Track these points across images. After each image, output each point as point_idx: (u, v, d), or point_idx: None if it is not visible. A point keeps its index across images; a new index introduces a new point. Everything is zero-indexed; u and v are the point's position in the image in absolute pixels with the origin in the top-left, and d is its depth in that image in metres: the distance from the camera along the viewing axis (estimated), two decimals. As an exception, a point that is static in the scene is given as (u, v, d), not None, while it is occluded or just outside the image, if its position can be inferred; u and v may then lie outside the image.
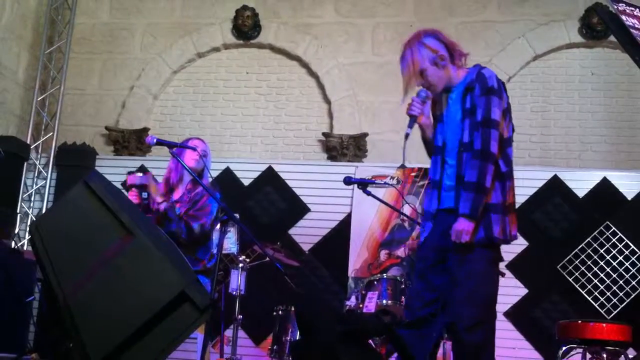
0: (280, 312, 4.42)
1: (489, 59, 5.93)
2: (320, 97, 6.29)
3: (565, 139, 5.93)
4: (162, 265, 1.78)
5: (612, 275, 5.32)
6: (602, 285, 5.32)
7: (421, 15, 6.18)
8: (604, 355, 3.74)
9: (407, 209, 5.17)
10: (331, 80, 6.23)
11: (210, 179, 3.86)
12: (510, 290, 5.28)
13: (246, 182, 5.94)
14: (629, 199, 5.47)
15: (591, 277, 5.35)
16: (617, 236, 5.39)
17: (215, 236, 3.82)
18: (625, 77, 5.95)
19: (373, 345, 3.85)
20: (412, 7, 6.29)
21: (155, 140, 3.44)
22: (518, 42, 6.07)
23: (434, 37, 2.86)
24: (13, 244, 5.92)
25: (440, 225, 2.78)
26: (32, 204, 6.16)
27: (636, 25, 3.09)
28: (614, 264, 5.34)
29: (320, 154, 6.15)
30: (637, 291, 5.27)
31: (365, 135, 6.01)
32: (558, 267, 5.41)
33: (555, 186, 5.58)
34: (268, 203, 5.86)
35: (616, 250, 5.36)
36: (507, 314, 5.33)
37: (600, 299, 5.29)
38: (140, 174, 3.64)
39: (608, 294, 5.30)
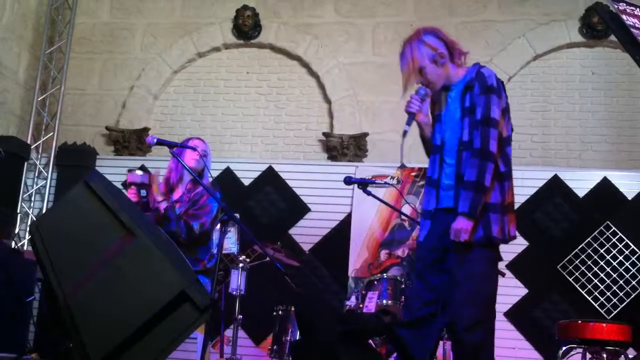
0: (280, 312, 4.41)
1: (489, 59, 5.93)
2: (320, 97, 6.29)
3: (565, 138, 5.92)
4: (162, 265, 1.78)
5: (612, 275, 5.32)
6: (602, 285, 5.32)
7: (421, 15, 6.18)
8: (604, 355, 3.74)
9: (407, 209, 5.16)
10: (331, 80, 6.23)
11: (210, 179, 3.86)
12: (510, 290, 5.28)
13: (246, 182, 5.94)
14: (629, 198, 5.47)
15: (591, 277, 5.34)
16: (617, 236, 5.39)
17: (215, 236, 3.82)
18: (625, 77, 5.95)
19: (373, 345, 3.85)
20: (412, 7, 6.29)
21: (155, 140, 3.44)
22: (518, 41, 6.07)
23: (433, 35, 2.87)
24: (13, 244, 5.92)
25: (439, 225, 2.78)
26: (32, 204, 6.16)
27: (636, 25, 3.09)
28: (614, 263, 5.34)
29: (321, 154, 6.15)
30: (637, 291, 5.27)
31: (365, 135, 6.01)
32: (558, 267, 5.40)
33: (555, 186, 5.58)
34: (268, 203, 5.86)
35: (616, 250, 5.36)
36: (507, 314, 5.33)
37: (600, 299, 5.29)
38: (140, 172, 3.65)
39: (608, 294, 5.30)
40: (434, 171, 2.85)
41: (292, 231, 5.77)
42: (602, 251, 5.37)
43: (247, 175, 5.95)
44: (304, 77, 6.36)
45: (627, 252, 5.35)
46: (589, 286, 5.33)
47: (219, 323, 4.60)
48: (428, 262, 2.79)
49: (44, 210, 6.02)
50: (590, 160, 5.82)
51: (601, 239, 5.40)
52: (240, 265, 4.51)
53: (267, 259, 4.30)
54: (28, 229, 6.00)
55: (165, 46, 6.52)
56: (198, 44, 6.50)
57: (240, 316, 4.45)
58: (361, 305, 4.19)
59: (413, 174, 5.65)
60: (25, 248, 5.91)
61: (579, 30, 6.02)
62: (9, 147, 5.61)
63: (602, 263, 5.35)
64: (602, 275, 5.33)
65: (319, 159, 6.10)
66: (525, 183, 5.50)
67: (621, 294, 5.28)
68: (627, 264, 5.33)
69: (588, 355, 3.87)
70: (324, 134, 6.10)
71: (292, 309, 4.34)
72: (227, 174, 5.92)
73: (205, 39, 6.50)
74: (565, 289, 5.36)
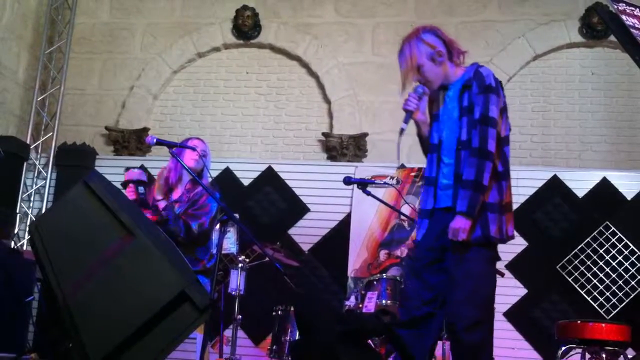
0: (279, 312, 4.41)
1: (489, 59, 5.93)
2: (320, 97, 6.29)
3: (565, 138, 5.93)
4: (162, 265, 1.78)
5: (612, 275, 5.32)
6: (601, 285, 5.32)
7: (421, 15, 6.17)
8: (603, 355, 3.74)
9: (406, 209, 5.16)
10: (331, 80, 6.23)
11: (209, 179, 3.86)
12: (510, 290, 5.28)
13: (246, 182, 5.94)
14: (629, 199, 5.47)
15: (590, 277, 5.35)
16: (617, 236, 5.39)
17: (214, 236, 3.82)
18: (625, 77, 5.95)
19: (373, 345, 3.85)
20: (413, 7, 6.29)
21: (155, 140, 3.44)
22: (518, 41, 6.08)
23: (432, 34, 2.87)
24: (13, 244, 5.91)
25: (437, 224, 2.78)
26: (31, 204, 6.16)
27: (636, 25, 3.09)
28: (614, 264, 5.34)
29: (320, 154, 6.15)
30: (637, 291, 5.27)
31: (365, 135, 6.01)
32: (557, 267, 5.41)
33: (555, 186, 5.58)
34: (268, 203, 5.86)
35: (615, 250, 5.36)
36: (506, 314, 5.33)
37: (599, 299, 5.29)
38: (137, 170, 3.65)
39: (607, 294, 5.30)
40: (432, 170, 2.85)
41: (291, 231, 5.77)
42: (601, 251, 5.37)
43: (246, 175, 5.95)
44: (303, 77, 6.36)
45: (626, 252, 5.35)
46: (588, 286, 5.34)
47: (219, 323, 4.60)
48: (426, 262, 2.79)
49: (43, 210, 6.01)
50: (589, 161, 5.82)
51: (600, 239, 5.40)
52: (240, 265, 4.51)
53: (267, 259, 4.29)
54: (27, 229, 6.00)
55: (165, 46, 6.52)
56: (198, 44, 6.50)
57: (240, 316, 4.45)
58: (360, 306, 4.19)
59: (412, 174, 5.65)
60: (24, 248, 5.90)
61: (579, 30, 6.03)
62: (9, 147, 5.60)
63: (601, 263, 5.35)
64: (601, 275, 5.33)
65: (319, 159, 6.10)
66: (525, 183, 5.50)
67: (620, 294, 5.28)
68: (626, 264, 5.33)
69: (587, 355, 3.88)
70: (323, 134, 6.10)
71: (292, 309, 4.34)
72: (227, 174, 5.92)
73: (205, 39, 6.50)
74: (564, 289, 5.36)
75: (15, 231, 6.01)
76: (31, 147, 6.20)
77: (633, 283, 5.29)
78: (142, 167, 5.70)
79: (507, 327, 5.28)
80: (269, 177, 5.92)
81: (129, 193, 3.59)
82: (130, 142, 6.24)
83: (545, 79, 6.08)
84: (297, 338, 4.18)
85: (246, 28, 6.39)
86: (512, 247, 5.33)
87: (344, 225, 5.69)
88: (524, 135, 5.88)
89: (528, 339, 5.30)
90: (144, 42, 6.58)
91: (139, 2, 6.68)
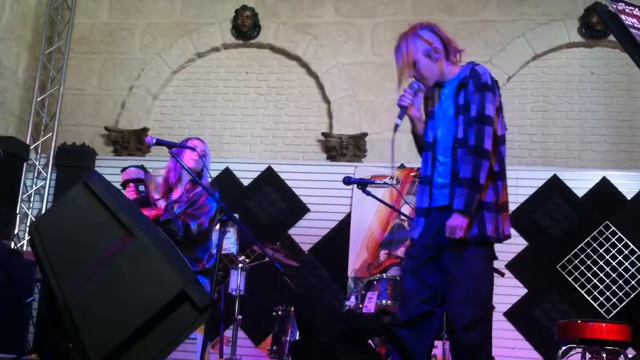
0: (279, 312, 4.41)
1: (488, 59, 5.93)
2: (319, 97, 6.29)
3: (564, 138, 5.93)
4: (162, 265, 1.78)
5: (612, 275, 5.32)
6: (601, 285, 5.32)
7: (421, 15, 6.16)
8: (604, 355, 3.74)
9: (406, 209, 5.16)
10: (331, 80, 6.23)
11: (209, 179, 3.86)
12: (510, 290, 5.28)
13: (246, 182, 5.94)
14: (629, 198, 5.47)
15: (590, 276, 5.35)
16: (617, 236, 5.39)
17: (214, 236, 3.82)
18: (624, 77, 5.95)
19: (373, 346, 3.85)
20: (412, 7, 6.29)
21: (154, 141, 3.44)
22: (518, 41, 6.08)
23: (430, 30, 2.86)
24: (12, 244, 5.91)
25: (434, 223, 2.77)
26: (31, 205, 6.16)
27: (635, 25, 3.09)
28: (614, 263, 5.34)
29: (320, 154, 6.15)
30: (637, 291, 5.27)
31: (364, 135, 6.01)
32: (557, 266, 5.40)
33: (554, 186, 5.58)
34: (268, 203, 5.86)
35: (615, 250, 5.36)
36: (506, 314, 5.33)
37: (599, 299, 5.29)
38: (135, 168, 3.65)
39: (607, 293, 5.30)
40: (427, 168, 2.85)
41: (291, 231, 5.77)
42: (601, 251, 5.37)
43: (246, 175, 5.94)
44: (303, 77, 6.36)
45: (626, 251, 5.35)
46: (589, 286, 5.34)
47: (219, 323, 4.60)
48: (423, 260, 2.79)
49: (43, 211, 6.01)
50: (589, 160, 5.82)
51: (600, 239, 5.40)
52: (240, 265, 4.50)
53: (267, 259, 4.29)
54: (27, 229, 6.00)
55: (165, 46, 6.52)
56: (197, 44, 6.49)
57: (240, 316, 4.44)
58: (361, 306, 4.19)
59: (412, 174, 5.65)
60: (24, 248, 5.90)
61: (578, 30, 6.03)
62: (8, 148, 5.60)
63: (601, 263, 5.35)
64: (601, 275, 5.33)
65: (318, 159, 6.10)
66: (525, 183, 5.50)
67: (620, 294, 5.28)
68: (626, 263, 5.33)
69: (587, 355, 3.87)
70: (323, 134, 6.10)
71: (292, 309, 4.34)
72: (226, 174, 5.92)
73: (205, 39, 6.50)
74: (564, 288, 5.36)
75: (15, 232, 6.01)
76: (31, 148, 6.19)
77: (633, 283, 5.29)
78: (139, 166, 5.70)
79: (507, 327, 5.28)
80: (269, 177, 5.92)
81: (130, 192, 3.59)
82: (129, 142, 6.24)
83: (545, 79, 6.08)
84: (297, 338, 4.18)
85: (246, 28, 6.39)
86: (512, 247, 5.33)
87: (344, 225, 5.69)
88: (524, 135, 5.88)
89: (528, 339, 5.30)
90: (144, 42, 6.58)
91: (139, 2, 6.68)
